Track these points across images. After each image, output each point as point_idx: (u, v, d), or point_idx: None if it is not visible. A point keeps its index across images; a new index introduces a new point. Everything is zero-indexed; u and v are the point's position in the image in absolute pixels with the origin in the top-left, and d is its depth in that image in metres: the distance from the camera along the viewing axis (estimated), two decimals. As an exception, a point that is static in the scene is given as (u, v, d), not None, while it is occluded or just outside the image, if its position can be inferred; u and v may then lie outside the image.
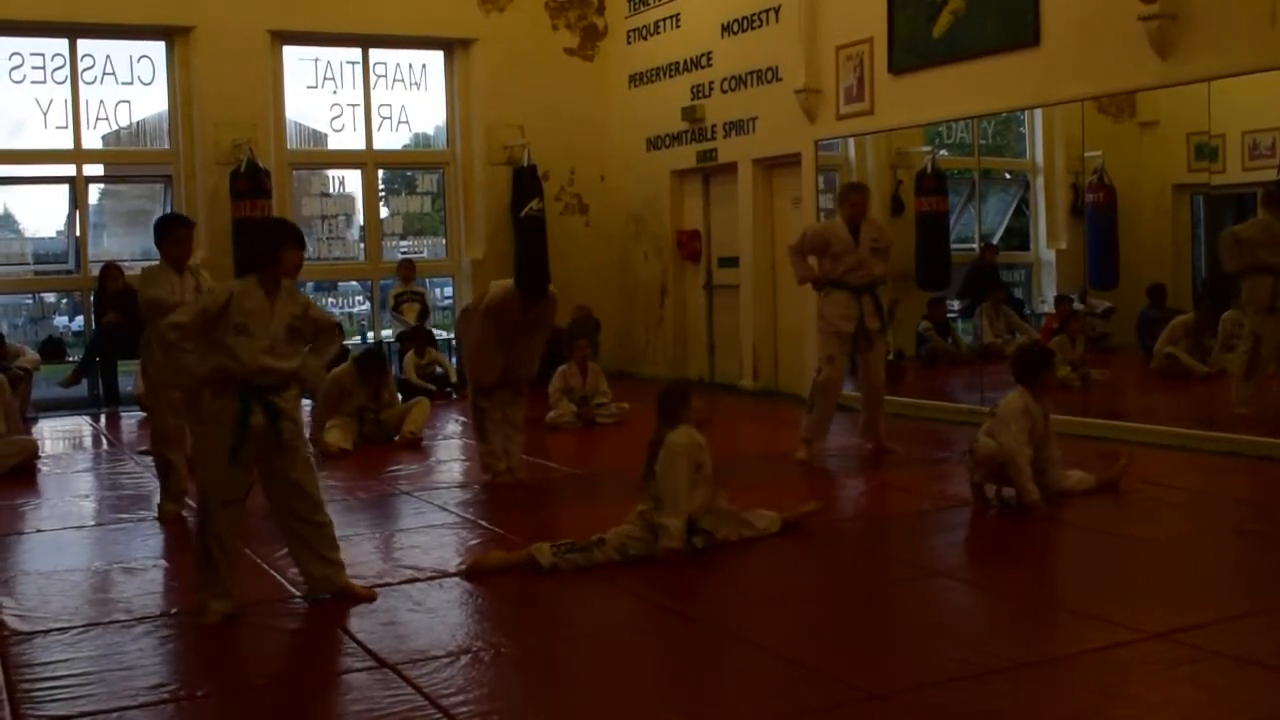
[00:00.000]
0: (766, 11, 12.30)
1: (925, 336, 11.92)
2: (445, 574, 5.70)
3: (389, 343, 13.90)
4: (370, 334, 14.56)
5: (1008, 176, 12.37)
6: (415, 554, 6.16)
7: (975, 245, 11.75)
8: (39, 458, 9.32)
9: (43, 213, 14.57)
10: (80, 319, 13.79)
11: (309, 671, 4.61)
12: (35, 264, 14.03)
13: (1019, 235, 12.11)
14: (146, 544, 6.67)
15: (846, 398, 9.00)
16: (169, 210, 13.17)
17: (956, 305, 12.02)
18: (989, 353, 11.28)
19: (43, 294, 14.20)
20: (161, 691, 4.25)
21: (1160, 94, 9.27)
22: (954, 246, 12.01)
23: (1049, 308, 11.33)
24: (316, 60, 14.06)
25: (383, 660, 4.49)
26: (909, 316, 11.97)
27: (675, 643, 4.84)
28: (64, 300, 14.34)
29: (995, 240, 12.04)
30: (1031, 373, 6.80)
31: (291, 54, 13.87)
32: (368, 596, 5.30)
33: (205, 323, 5.10)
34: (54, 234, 14.13)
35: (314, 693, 4.33)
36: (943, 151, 11.90)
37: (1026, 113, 11.20)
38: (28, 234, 14.45)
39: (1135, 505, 6.88)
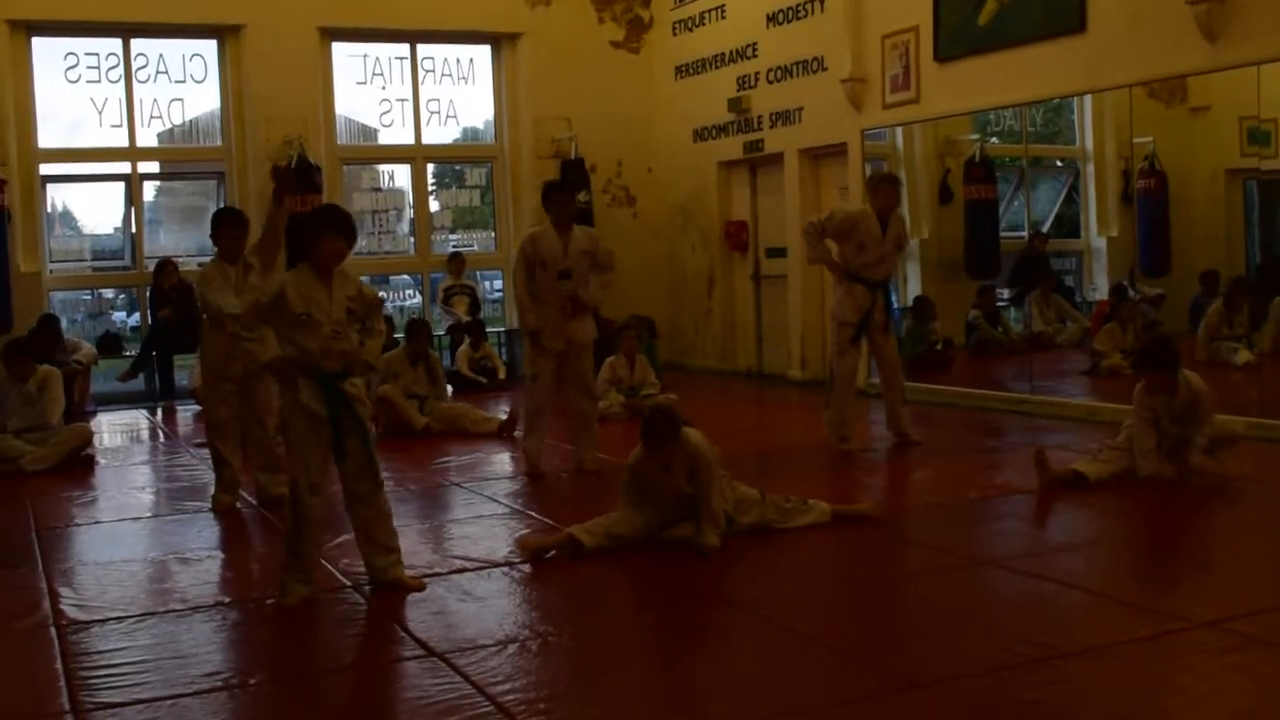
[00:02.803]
0: (812, 1, 12.28)
1: (974, 325, 11.86)
2: (494, 564, 5.76)
3: (438, 335, 14.00)
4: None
5: (1058, 164, 12.29)
6: (464, 544, 6.23)
7: (1025, 233, 11.68)
8: (94, 447, 9.50)
9: (100, 210, 14.78)
10: (137, 314, 14.00)
11: (359, 660, 4.67)
12: (93, 260, 14.23)
13: (1069, 223, 12.03)
14: (201, 535, 6.78)
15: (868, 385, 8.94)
16: (222, 206, 13.32)
17: (1006, 294, 11.95)
18: (1039, 341, 11.22)
19: (101, 290, 14.42)
20: (215, 679, 4.33)
21: (1212, 78, 9.17)
22: (1003, 234, 11.95)
23: (1100, 295, 11.25)
24: (365, 56, 14.18)
25: (432, 649, 4.55)
26: (958, 306, 11.92)
27: (718, 631, 4.86)
28: (121, 296, 14.55)
29: (1045, 228, 11.96)
30: (1140, 368, 6.97)
31: (341, 50, 14.00)
32: (417, 586, 5.38)
33: (260, 314, 5.21)
34: (111, 231, 14.33)
35: (364, 681, 4.39)
36: (992, 139, 11.83)
37: (1076, 99, 11.12)
38: (86, 231, 14.66)
39: (1185, 494, 6.83)
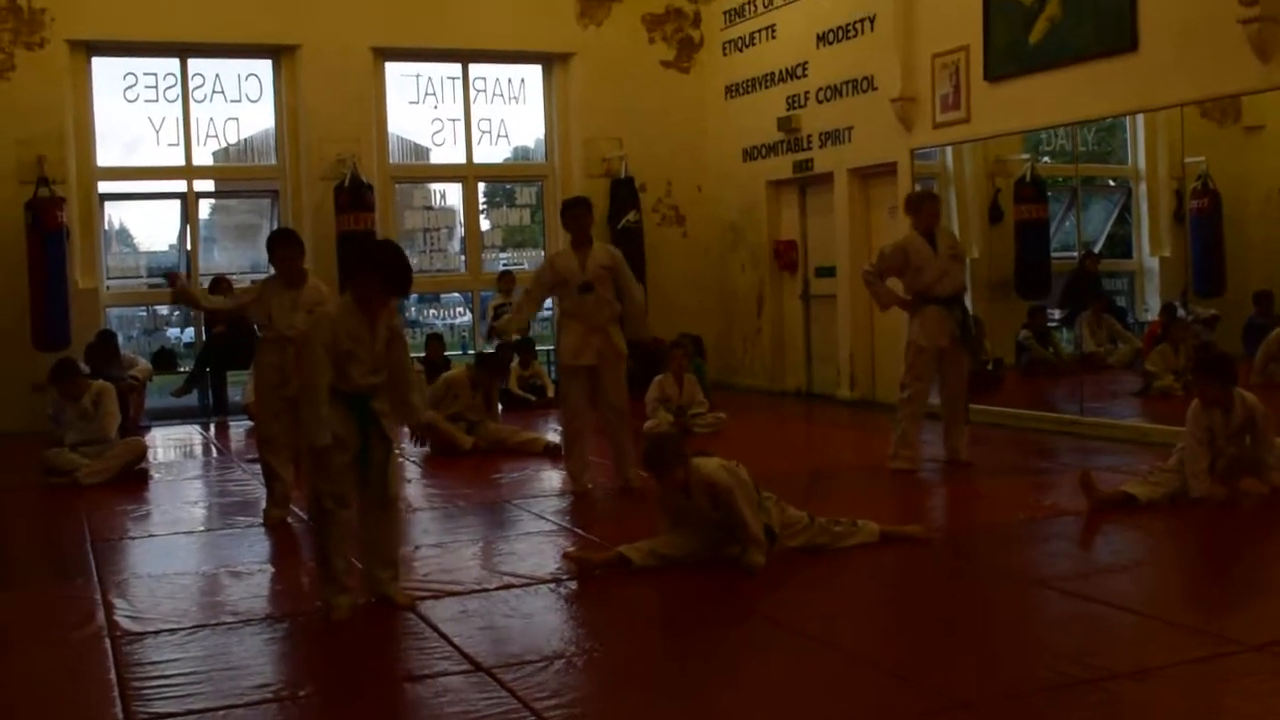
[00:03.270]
0: (862, 21, 12.29)
1: (1025, 345, 11.78)
2: (541, 580, 5.79)
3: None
4: (471, 346, 14.74)
5: (1110, 184, 12.21)
6: (512, 560, 6.27)
7: (1076, 253, 11.60)
8: (148, 461, 9.64)
9: (156, 227, 14.99)
10: (191, 331, 14.17)
11: (407, 673, 4.70)
12: (149, 277, 14.42)
13: (1121, 243, 11.94)
14: (253, 549, 6.86)
15: (930, 406, 8.92)
16: (275, 225, 13.48)
17: (1057, 314, 11.87)
18: (1090, 362, 11.13)
19: (156, 306, 14.60)
20: (266, 691, 4.39)
21: (1266, 97, 9.07)
22: (1055, 254, 11.87)
23: (1152, 316, 11.15)
24: (418, 76, 14.32)
25: (478, 664, 4.58)
26: (1009, 326, 11.84)
27: (763, 649, 4.87)
28: (175, 313, 14.73)
29: (1097, 248, 11.88)
30: (1197, 375, 7.15)
31: (394, 70, 14.14)
32: (407, 604, 5.41)
33: (330, 355, 5.25)
34: (166, 248, 14.52)
35: (412, 694, 4.43)
36: (1043, 159, 11.78)
37: (1128, 119, 11.04)
38: (142, 248, 14.87)
39: (1239, 516, 6.76)
